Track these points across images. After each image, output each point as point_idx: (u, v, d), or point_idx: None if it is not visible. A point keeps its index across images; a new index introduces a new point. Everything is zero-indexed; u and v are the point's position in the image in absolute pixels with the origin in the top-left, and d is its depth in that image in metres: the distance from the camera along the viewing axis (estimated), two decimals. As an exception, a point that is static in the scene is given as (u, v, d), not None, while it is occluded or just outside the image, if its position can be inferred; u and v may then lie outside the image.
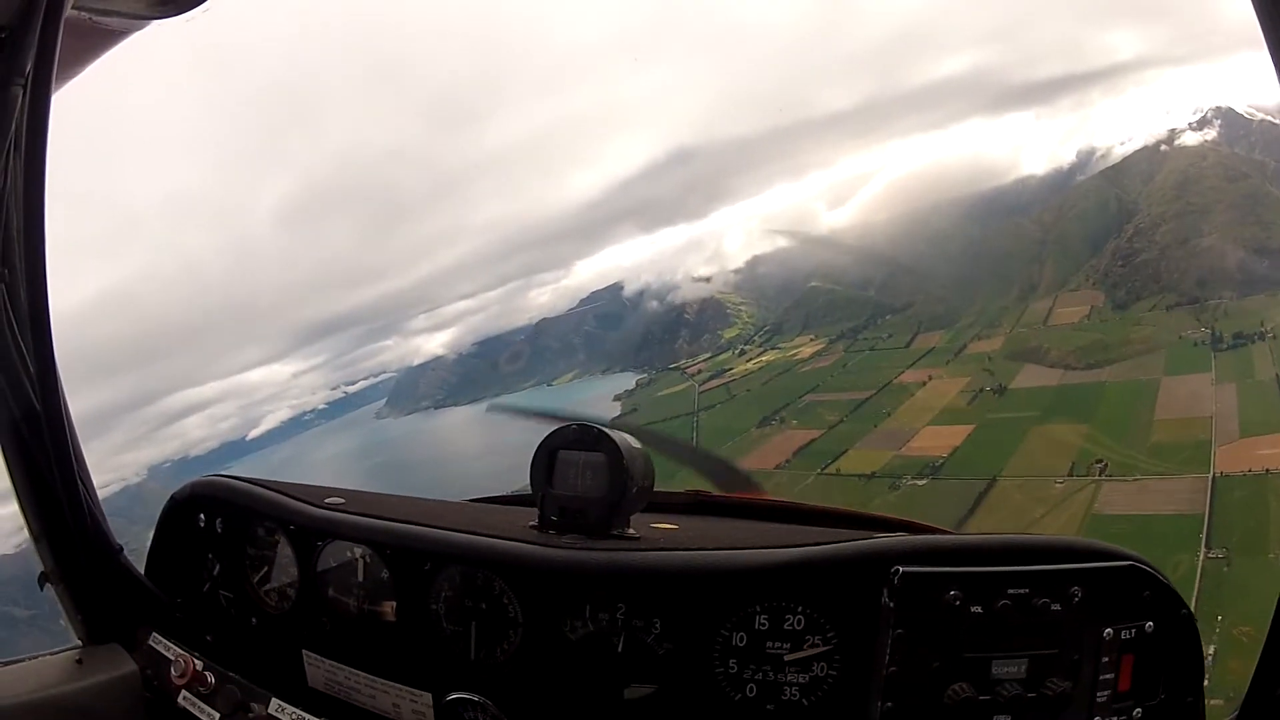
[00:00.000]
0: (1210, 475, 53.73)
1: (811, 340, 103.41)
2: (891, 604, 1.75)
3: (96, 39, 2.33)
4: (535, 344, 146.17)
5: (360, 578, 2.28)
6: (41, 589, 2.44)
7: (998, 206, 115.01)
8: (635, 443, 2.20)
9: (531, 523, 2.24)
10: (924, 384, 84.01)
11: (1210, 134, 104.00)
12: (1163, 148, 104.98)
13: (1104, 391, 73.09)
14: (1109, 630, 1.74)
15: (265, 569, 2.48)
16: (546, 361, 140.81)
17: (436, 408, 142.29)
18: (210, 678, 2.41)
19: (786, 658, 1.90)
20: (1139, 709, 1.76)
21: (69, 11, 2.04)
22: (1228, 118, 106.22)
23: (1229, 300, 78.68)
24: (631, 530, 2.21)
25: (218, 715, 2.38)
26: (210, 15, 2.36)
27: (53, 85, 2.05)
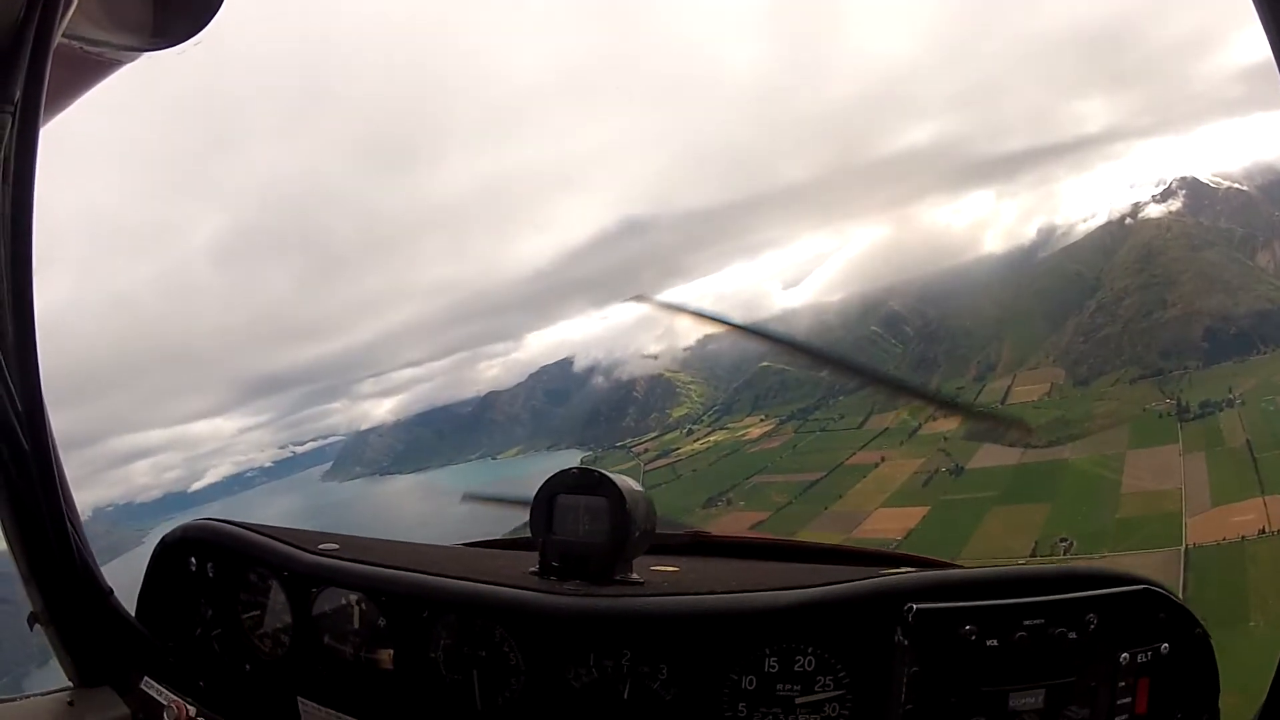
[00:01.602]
0: (1182, 547, 52.32)
1: (761, 420, 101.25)
2: (906, 641, 1.69)
3: (87, 69, 2.31)
4: (482, 417, 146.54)
5: (356, 625, 2.20)
6: (31, 629, 2.38)
7: (955, 286, 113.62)
8: (637, 486, 2.13)
9: (532, 568, 2.15)
10: (877, 465, 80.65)
11: (1175, 205, 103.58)
12: (1127, 221, 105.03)
13: (1067, 469, 69.89)
14: (1125, 655, 1.70)
15: (258, 614, 2.37)
16: (492, 435, 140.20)
17: (382, 474, 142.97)
18: None
19: (798, 700, 1.83)
20: None
21: (60, 40, 2.03)
22: (1192, 188, 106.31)
23: (1195, 370, 76.44)
24: (635, 575, 2.11)
25: None
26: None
27: (41, 113, 2.04)
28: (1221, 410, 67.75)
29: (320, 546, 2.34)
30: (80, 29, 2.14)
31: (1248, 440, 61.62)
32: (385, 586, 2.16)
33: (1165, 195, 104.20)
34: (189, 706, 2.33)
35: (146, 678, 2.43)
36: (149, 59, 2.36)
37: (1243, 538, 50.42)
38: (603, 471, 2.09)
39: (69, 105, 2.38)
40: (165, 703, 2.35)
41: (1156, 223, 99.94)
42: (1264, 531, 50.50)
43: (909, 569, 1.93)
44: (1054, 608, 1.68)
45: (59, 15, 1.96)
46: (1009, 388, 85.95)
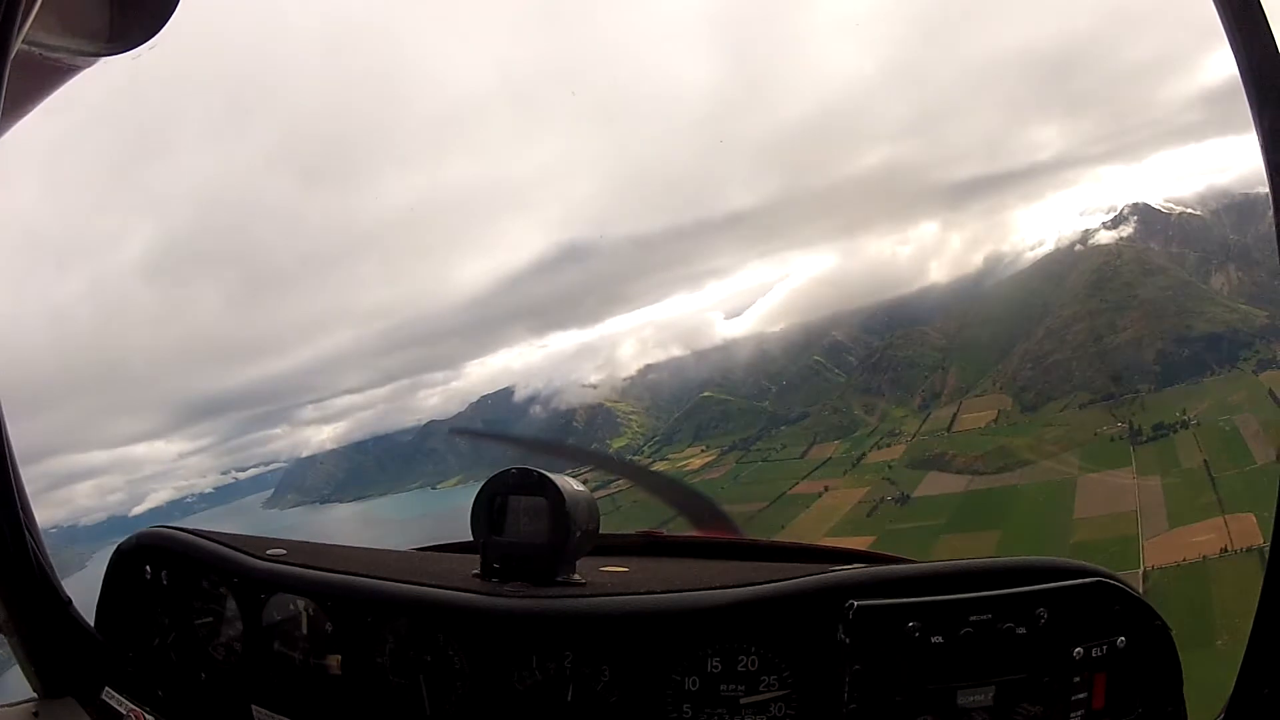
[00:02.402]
0: (1140, 570, 50.69)
1: (703, 451, 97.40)
2: (848, 639, 1.68)
3: (44, 75, 2.34)
4: (422, 446, 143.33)
5: (304, 630, 2.20)
6: None
7: (900, 316, 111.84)
8: (578, 485, 2.15)
9: (474, 571, 2.17)
10: (820, 495, 77.18)
11: (1126, 231, 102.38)
12: (1076, 248, 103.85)
13: (1016, 495, 67.91)
14: (1079, 649, 1.68)
15: (212, 621, 2.38)
16: (433, 464, 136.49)
17: (323, 502, 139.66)
18: None
19: (742, 700, 1.81)
20: None
21: (20, 47, 2.02)
22: (1144, 214, 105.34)
23: (1147, 393, 74.06)
24: (577, 576, 2.13)
25: None
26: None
27: None
28: (1176, 432, 65.97)
29: (268, 552, 2.33)
30: (38, 35, 2.14)
31: (1204, 460, 59.82)
32: (331, 591, 2.16)
33: (1116, 222, 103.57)
34: (147, 715, 2.34)
35: (108, 688, 2.42)
36: (103, 65, 2.36)
37: (1204, 557, 49.49)
38: (542, 472, 2.08)
39: (27, 113, 2.38)
40: (124, 712, 2.35)
41: (1107, 249, 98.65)
42: (1226, 550, 48.92)
43: (860, 565, 1.92)
44: (1001, 602, 1.66)
45: (18, 21, 1.91)
46: (955, 415, 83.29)
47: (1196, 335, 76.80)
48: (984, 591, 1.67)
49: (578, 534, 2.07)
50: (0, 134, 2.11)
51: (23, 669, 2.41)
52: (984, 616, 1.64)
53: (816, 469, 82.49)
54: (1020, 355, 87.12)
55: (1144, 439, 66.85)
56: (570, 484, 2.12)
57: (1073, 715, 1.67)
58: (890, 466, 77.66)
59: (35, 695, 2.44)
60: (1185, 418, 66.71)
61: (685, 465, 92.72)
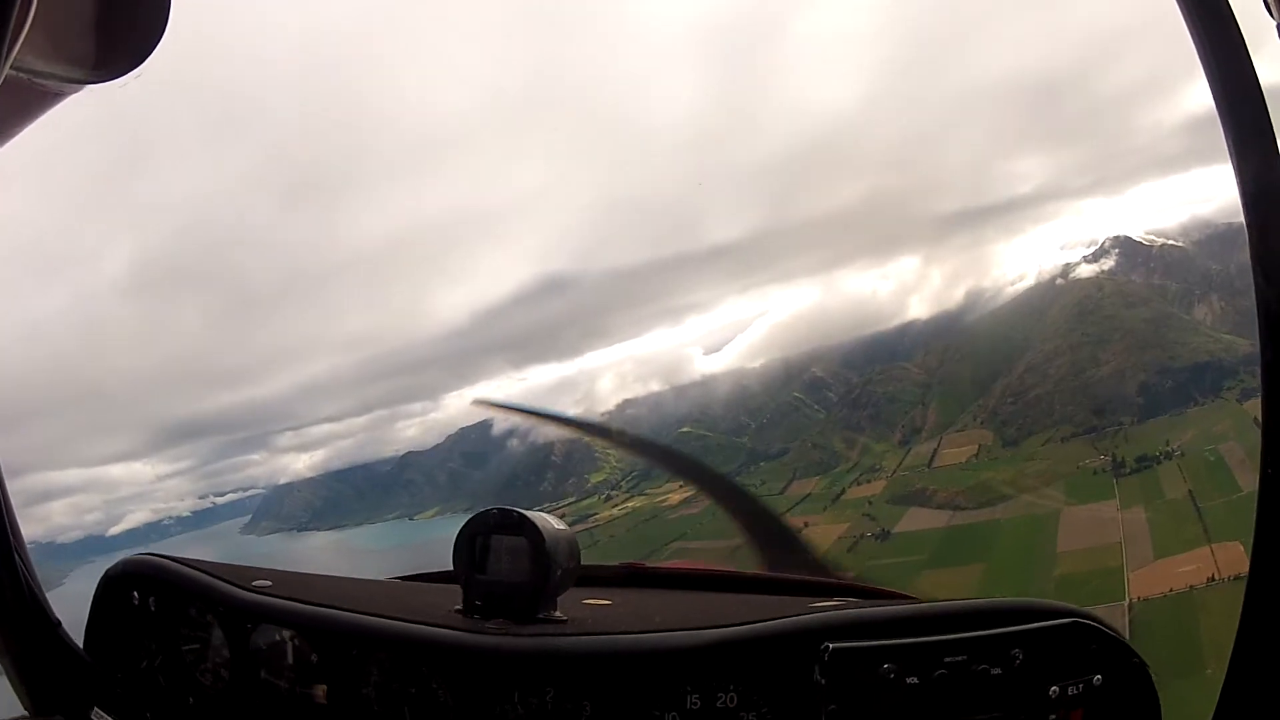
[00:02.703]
0: (1125, 602, 50.33)
1: (681, 486, 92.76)
2: (824, 680, 1.73)
3: (32, 101, 2.33)
4: (400, 477, 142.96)
5: (290, 660, 2.24)
6: None
7: (879, 352, 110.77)
8: (559, 524, 2.19)
9: (456, 607, 2.22)
10: (800, 531, 72.77)
11: (1108, 264, 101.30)
12: (1057, 282, 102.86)
13: (999, 529, 66.56)
14: (1055, 688, 1.71)
15: (198, 648, 2.42)
16: (411, 495, 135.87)
17: (300, 530, 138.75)
18: None
19: None
20: None
21: (8, 72, 1.94)
22: (1125, 246, 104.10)
23: (1130, 425, 72.87)
24: (558, 613, 2.17)
25: None
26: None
27: None
28: (1160, 463, 64.93)
29: (254, 583, 2.36)
30: (26, 61, 2.15)
31: (1190, 491, 58.76)
32: (316, 624, 2.20)
33: (1098, 255, 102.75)
34: None
35: (96, 709, 2.46)
36: (89, 92, 2.37)
37: (1191, 588, 48.95)
38: (522, 511, 2.13)
39: (13, 137, 2.40)
40: None
41: (1088, 282, 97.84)
42: (1214, 579, 48.24)
43: (842, 599, 2.04)
44: (976, 644, 1.69)
45: (7, 46, 1.80)
46: (936, 450, 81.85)
47: (1180, 366, 76.15)
48: (959, 634, 1.70)
49: (558, 572, 2.11)
50: None
51: (13, 687, 2.43)
52: (959, 658, 1.67)
53: (796, 505, 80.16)
54: (1001, 390, 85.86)
55: (1127, 471, 65.75)
56: (550, 522, 2.14)
57: None
58: (870, 502, 75.88)
59: (26, 713, 2.45)
60: (1169, 449, 65.80)
61: (664, 500, 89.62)
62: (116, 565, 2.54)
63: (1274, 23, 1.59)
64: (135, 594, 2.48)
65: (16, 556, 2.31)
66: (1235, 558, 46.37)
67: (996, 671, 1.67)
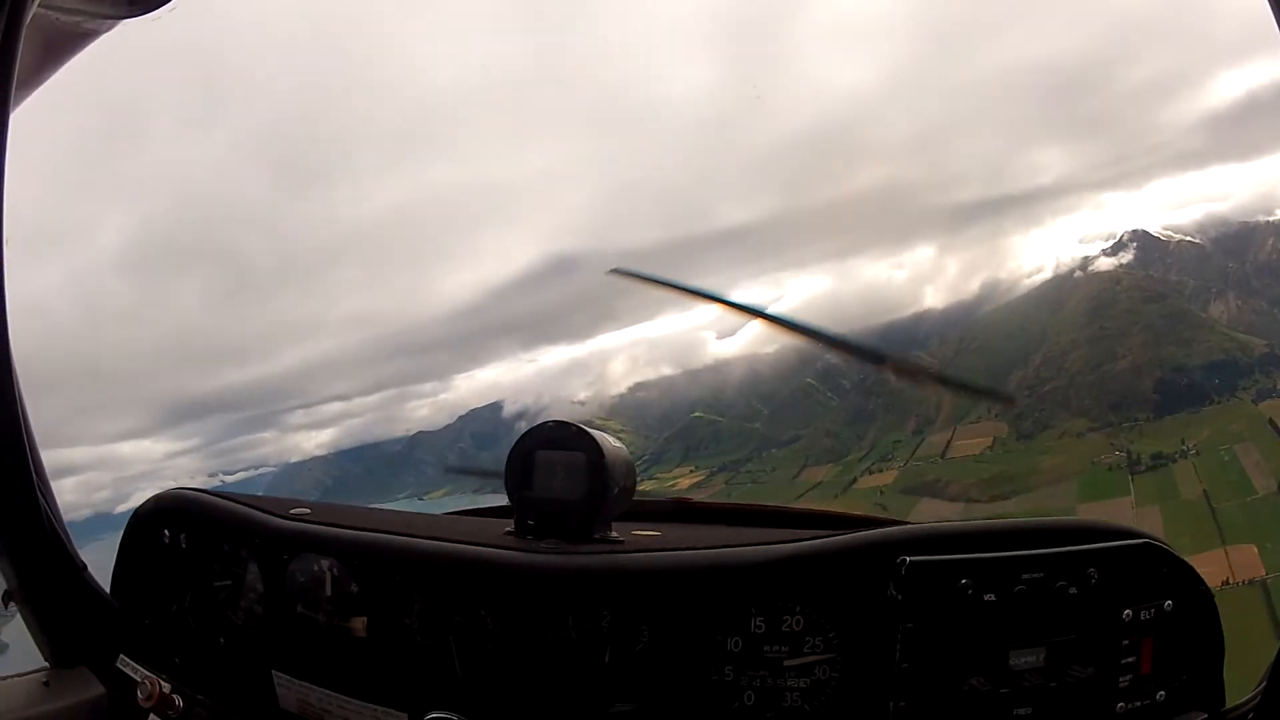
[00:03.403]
0: None
1: (691, 471, 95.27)
2: (899, 596, 1.68)
3: (61, 41, 2.29)
4: (410, 456, 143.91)
5: (329, 591, 2.15)
6: (5, 608, 2.39)
7: (894, 340, 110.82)
8: (615, 441, 2.11)
9: (508, 529, 2.13)
10: None
11: (1126, 258, 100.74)
12: (1075, 275, 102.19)
13: None
14: (1128, 611, 1.67)
15: (231, 585, 2.34)
16: (420, 475, 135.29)
17: None
18: (179, 701, 2.30)
19: (786, 663, 1.79)
20: (1162, 691, 1.71)
21: (35, 10, 2.00)
22: (1144, 241, 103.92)
23: (1146, 422, 72.42)
24: (614, 534, 2.09)
25: None
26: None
27: (12, 89, 2.01)
28: (1175, 461, 64.34)
29: (292, 512, 2.31)
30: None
31: (1204, 491, 58.07)
32: (357, 550, 2.12)
33: (1116, 249, 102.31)
34: (163, 684, 2.28)
35: (123, 656, 2.39)
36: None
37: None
38: (580, 425, 2.05)
39: (44, 81, 2.33)
40: (139, 680, 2.30)
41: (1106, 276, 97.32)
42: (1227, 582, 46.39)
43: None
44: (1054, 561, 1.65)
45: None
46: (949, 441, 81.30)
47: (1195, 364, 75.84)
48: (1037, 549, 1.65)
49: (615, 490, 2.03)
50: (18, 103, 1.98)
51: (34, 637, 2.38)
52: (1036, 575, 1.63)
53: (807, 492, 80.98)
54: (1016, 382, 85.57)
55: (1143, 468, 65.41)
56: (609, 440, 2.05)
57: (1121, 680, 1.65)
58: (882, 492, 76.03)
59: (46, 664, 2.39)
60: (1185, 447, 65.31)
61: (674, 485, 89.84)
62: (147, 502, 2.48)
63: None
64: (166, 532, 2.43)
65: (40, 497, 2.24)
66: (1249, 560, 46.19)
67: (1073, 591, 1.64)
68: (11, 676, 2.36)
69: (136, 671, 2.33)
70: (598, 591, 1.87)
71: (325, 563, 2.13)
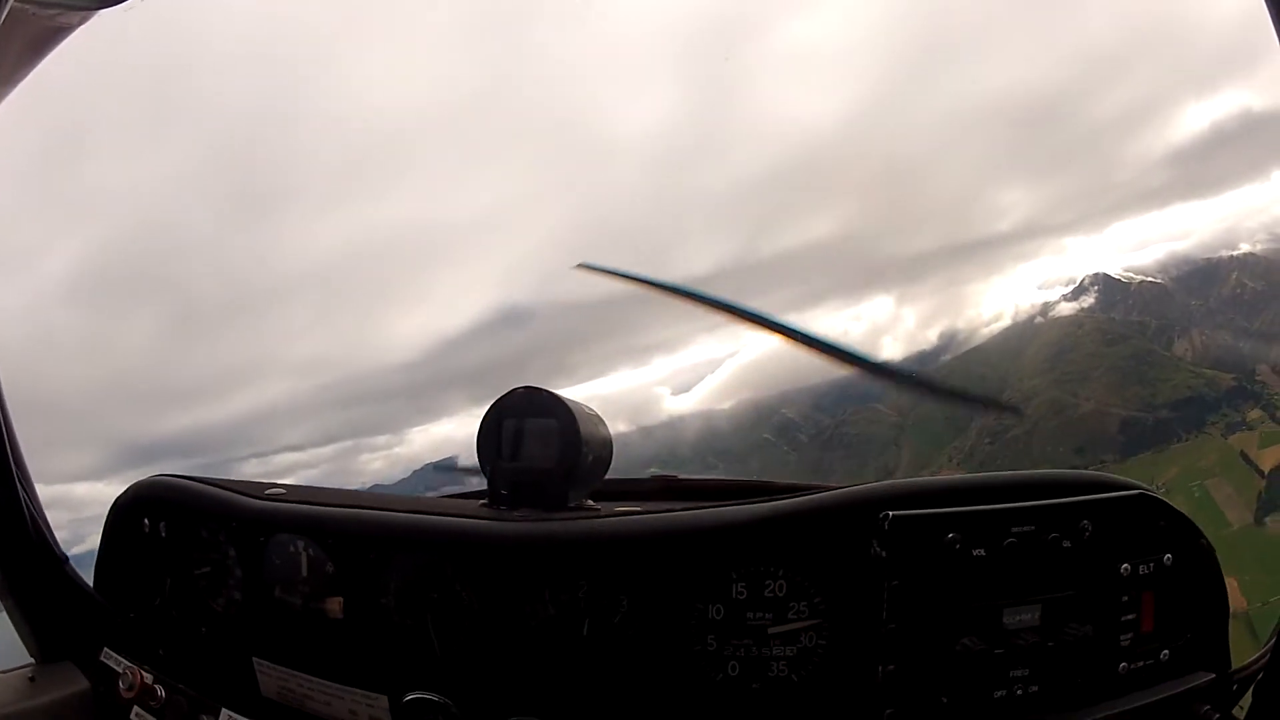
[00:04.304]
0: None
1: None
2: (884, 553, 1.62)
3: (39, 36, 2.28)
4: None
5: (305, 572, 2.15)
6: None
7: (852, 393, 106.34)
8: (590, 409, 2.11)
9: (482, 501, 2.15)
10: None
11: (1087, 301, 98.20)
12: (1036, 320, 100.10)
13: None
14: (1126, 565, 1.64)
15: (211, 572, 2.35)
16: None
17: None
18: (160, 691, 2.34)
19: (771, 630, 1.75)
20: (1166, 650, 1.67)
21: (11, 4, 2.00)
22: (1105, 284, 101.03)
23: (1112, 463, 68.09)
24: (591, 503, 2.11)
25: None
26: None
27: None
28: None
29: (267, 492, 2.30)
30: None
31: None
32: (332, 527, 2.10)
33: (1077, 293, 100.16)
34: (145, 674, 2.32)
35: (106, 649, 2.41)
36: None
37: None
38: (552, 391, 2.03)
39: (21, 79, 2.33)
40: (120, 671, 2.33)
41: (1067, 320, 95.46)
42: None
43: None
44: (1044, 513, 1.61)
45: None
46: (910, 493, 76.48)
47: (1161, 402, 73.04)
48: (1022, 502, 1.60)
49: (590, 457, 2.01)
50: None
51: (19, 632, 2.39)
52: (1027, 528, 1.58)
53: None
54: (977, 431, 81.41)
55: (1110, 510, 60.87)
56: (582, 406, 2.05)
57: (1123, 638, 1.61)
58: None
59: (32, 660, 2.41)
60: (1154, 486, 60.29)
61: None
62: (126, 492, 2.42)
63: None
64: (146, 521, 2.37)
65: (20, 489, 2.21)
66: (1230, 594, 41.48)
67: (1067, 544, 1.57)
68: None
69: (120, 664, 2.33)
70: (574, 560, 1.82)
71: (301, 543, 2.09)
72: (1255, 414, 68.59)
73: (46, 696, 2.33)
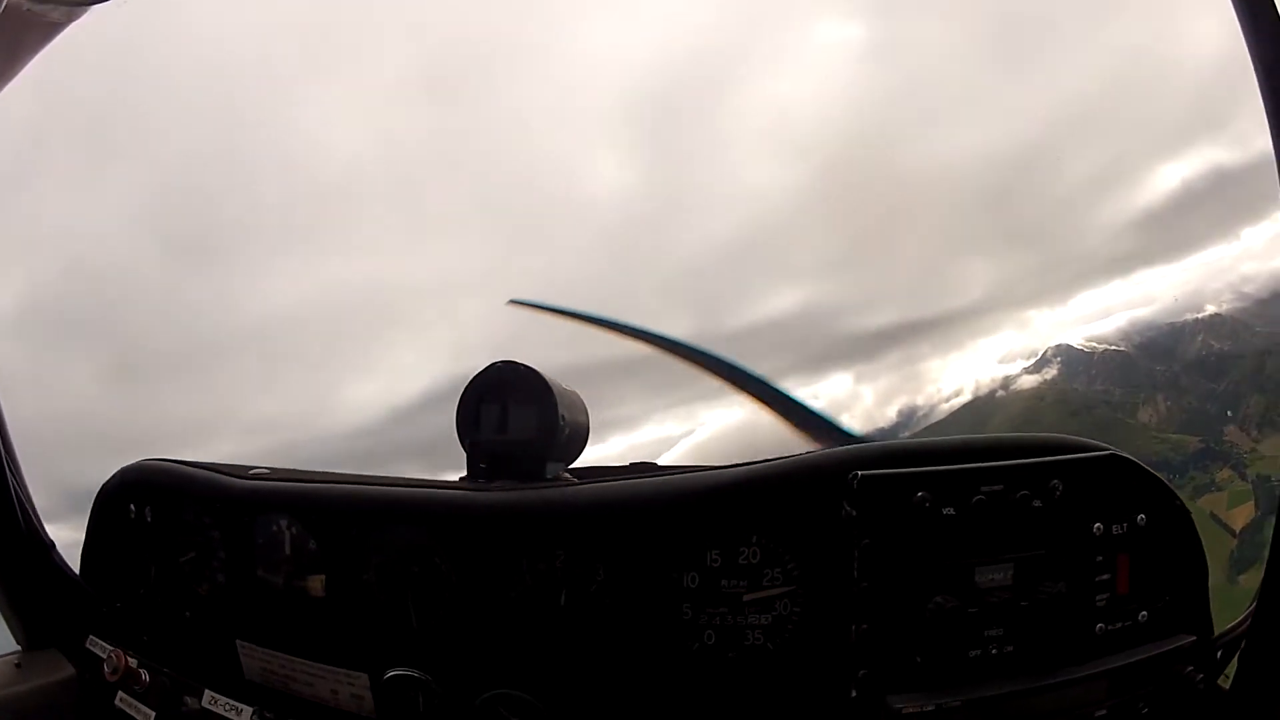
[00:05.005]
0: None
1: None
2: (854, 512, 1.63)
3: (35, 31, 2.34)
4: None
5: (288, 551, 2.17)
6: None
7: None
8: (569, 388, 2.16)
9: (462, 475, 2.17)
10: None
11: (1050, 373, 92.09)
12: (998, 394, 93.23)
13: None
14: (1099, 525, 1.64)
15: (195, 556, 2.36)
16: None
17: None
18: (145, 675, 2.36)
19: (746, 597, 1.77)
20: (1144, 612, 1.67)
21: (8, 1, 2.09)
22: (1067, 355, 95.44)
23: None
24: (567, 475, 2.13)
25: (153, 714, 2.33)
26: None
27: None
28: None
29: (251, 472, 2.31)
30: None
31: None
32: (315, 504, 2.13)
33: (1039, 365, 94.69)
34: (130, 659, 2.34)
35: (92, 636, 2.44)
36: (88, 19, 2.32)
37: None
38: (529, 365, 2.06)
39: (15, 74, 2.38)
40: (104, 656, 2.36)
41: (1029, 393, 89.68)
42: None
43: None
44: (1014, 473, 1.61)
45: None
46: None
47: (1129, 469, 66.36)
48: (992, 462, 1.61)
49: (566, 431, 2.04)
50: None
51: (5, 620, 2.41)
52: (996, 486, 1.59)
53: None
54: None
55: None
56: (560, 384, 2.08)
57: (1098, 599, 1.61)
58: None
59: (19, 647, 2.44)
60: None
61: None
62: (113, 477, 2.42)
63: None
64: (132, 506, 2.37)
65: (10, 476, 2.21)
66: None
67: (1037, 504, 1.58)
68: None
69: (104, 650, 2.34)
70: (550, 529, 1.84)
71: (284, 521, 2.10)
72: (1224, 474, 62.77)
73: (33, 682, 2.35)
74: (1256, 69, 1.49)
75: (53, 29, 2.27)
